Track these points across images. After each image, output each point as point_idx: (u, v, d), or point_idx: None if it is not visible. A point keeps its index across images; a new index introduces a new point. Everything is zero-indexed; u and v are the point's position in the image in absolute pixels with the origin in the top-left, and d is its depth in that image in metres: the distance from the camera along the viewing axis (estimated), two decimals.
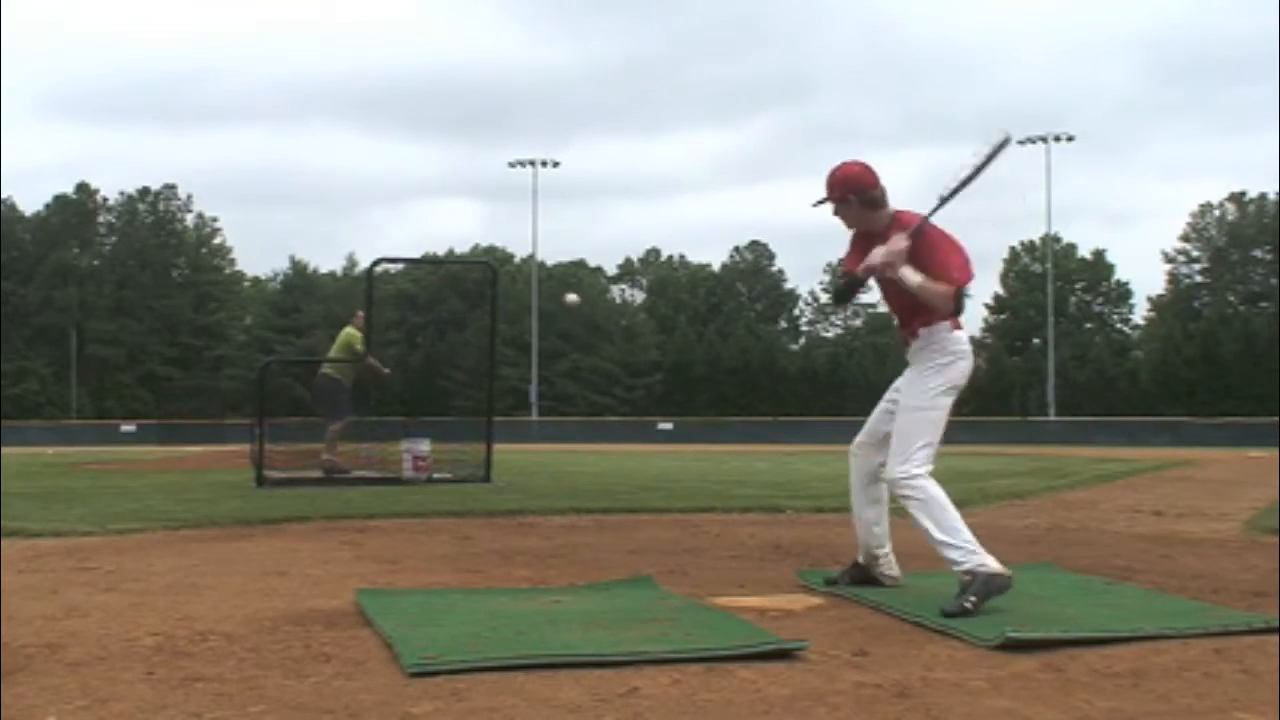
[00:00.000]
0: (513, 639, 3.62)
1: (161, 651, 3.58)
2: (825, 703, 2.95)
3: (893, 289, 4.61)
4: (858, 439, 4.89)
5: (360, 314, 14.19)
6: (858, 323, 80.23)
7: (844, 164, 4.71)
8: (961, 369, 4.59)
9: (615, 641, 3.58)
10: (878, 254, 4.47)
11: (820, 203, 4.69)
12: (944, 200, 4.54)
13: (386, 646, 3.59)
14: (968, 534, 4.36)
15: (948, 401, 4.56)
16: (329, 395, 13.79)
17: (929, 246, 4.50)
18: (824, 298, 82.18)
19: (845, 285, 4.83)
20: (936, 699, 2.99)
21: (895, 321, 4.86)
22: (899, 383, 4.73)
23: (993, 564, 4.26)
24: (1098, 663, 3.41)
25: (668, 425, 58.61)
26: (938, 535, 4.38)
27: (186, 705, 2.92)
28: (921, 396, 4.55)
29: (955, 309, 4.52)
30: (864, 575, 4.85)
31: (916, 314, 4.58)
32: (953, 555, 4.33)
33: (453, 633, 3.73)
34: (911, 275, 4.44)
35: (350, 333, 14.01)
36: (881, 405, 4.80)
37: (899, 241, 4.44)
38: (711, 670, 3.27)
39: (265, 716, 2.84)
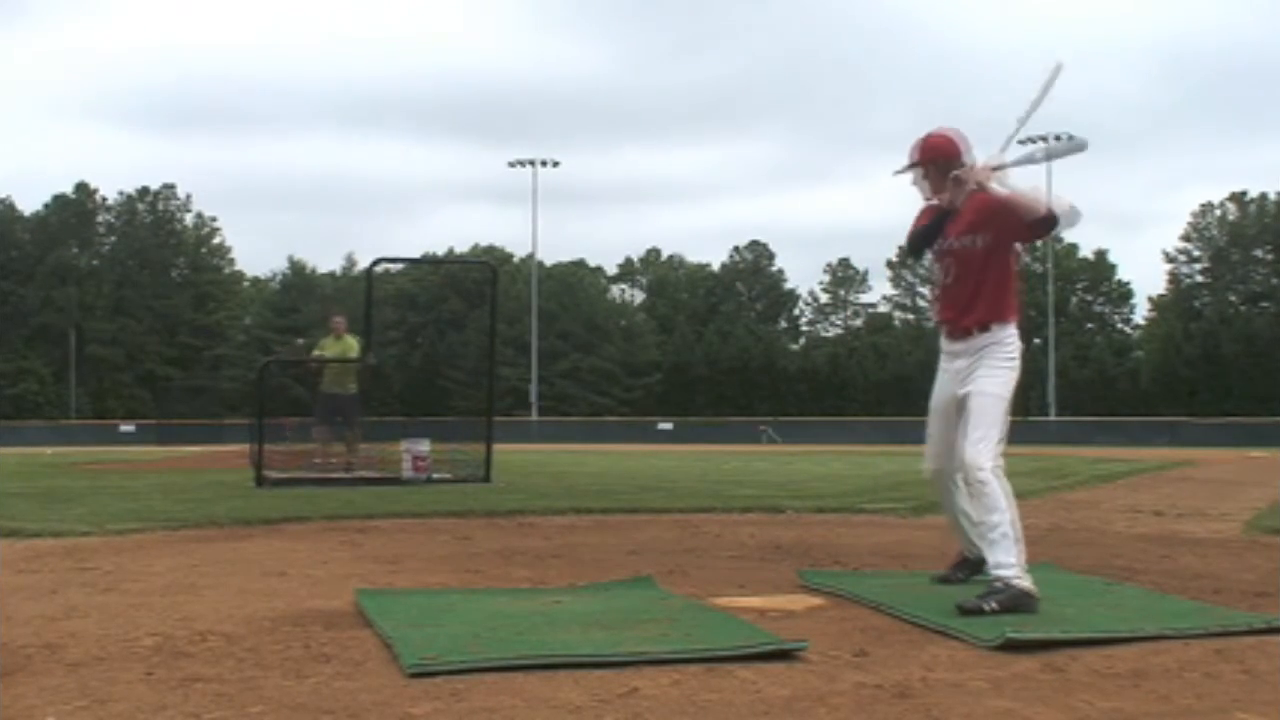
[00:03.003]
0: (513, 639, 3.61)
1: (161, 651, 3.57)
2: (825, 703, 2.95)
3: (967, 266, 4.52)
4: (929, 464, 4.79)
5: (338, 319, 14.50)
6: (858, 323, 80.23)
7: (933, 131, 4.70)
8: (1020, 366, 4.58)
9: (615, 641, 3.58)
10: (966, 173, 4.40)
11: (902, 170, 4.68)
12: (1013, 136, 4.48)
13: (386, 646, 3.58)
14: (1020, 545, 4.31)
15: (1013, 387, 4.53)
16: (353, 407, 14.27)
17: (1004, 200, 4.44)
18: (821, 295, 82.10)
19: (931, 225, 4.58)
20: (936, 699, 2.98)
21: (944, 314, 4.66)
22: (947, 387, 4.64)
23: (1029, 583, 4.23)
24: (1098, 663, 3.41)
25: (668, 425, 58.60)
26: (993, 534, 4.32)
27: (186, 705, 2.92)
28: (1001, 386, 4.49)
29: (1048, 224, 4.44)
30: (977, 568, 4.76)
31: (989, 302, 4.50)
32: (999, 557, 4.27)
33: (453, 633, 3.72)
34: (999, 187, 4.37)
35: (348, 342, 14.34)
36: (937, 417, 4.70)
37: (982, 168, 4.40)
38: (711, 670, 3.26)
39: (265, 716, 2.83)
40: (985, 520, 4.36)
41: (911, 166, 4.66)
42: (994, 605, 4.10)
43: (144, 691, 3.06)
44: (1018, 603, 4.14)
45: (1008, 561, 4.24)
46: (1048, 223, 4.43)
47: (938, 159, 4.60)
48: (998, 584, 4.20)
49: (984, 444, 4.40)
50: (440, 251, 74.79)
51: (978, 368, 4.52)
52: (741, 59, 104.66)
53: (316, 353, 14.62)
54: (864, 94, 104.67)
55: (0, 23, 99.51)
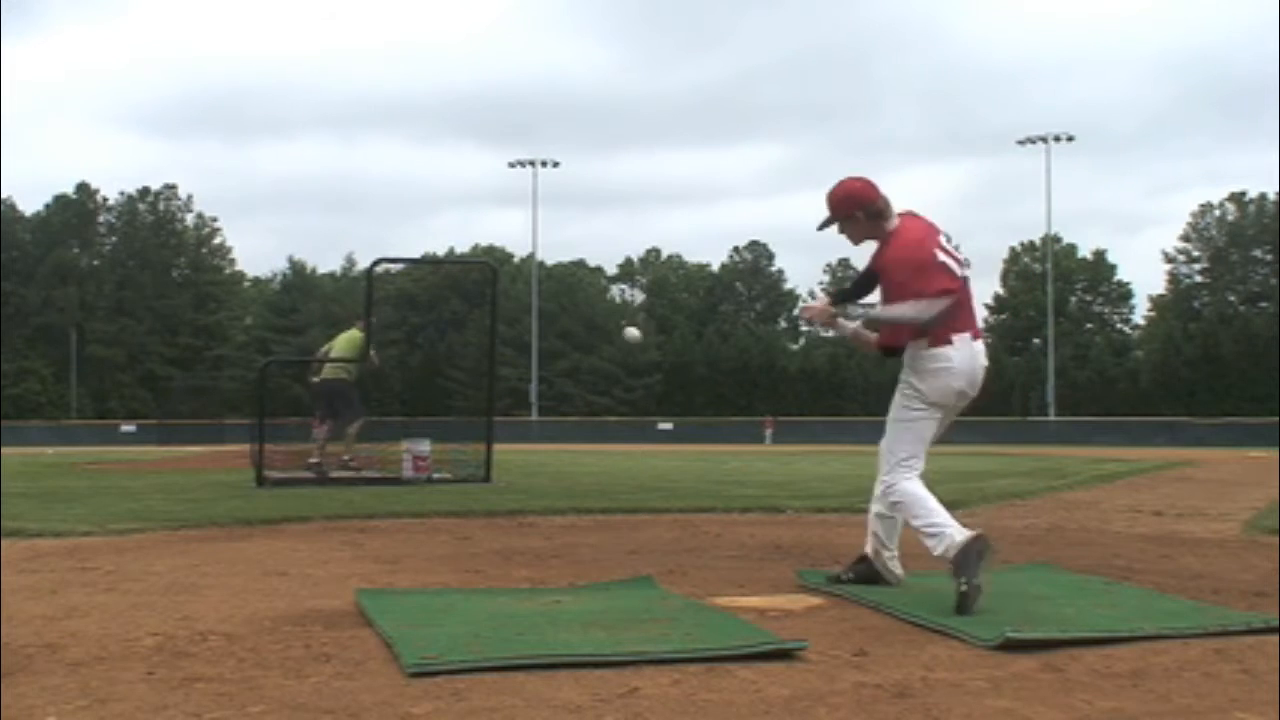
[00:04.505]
0: (513, 639, 3.61)
1: (161, 651, 3.58)
2: (825, 703, 2.95)
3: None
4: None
5: (361, 322, 14.38)
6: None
7: (841, 182, 4.70)
8: (934, 387, 4.60)
9: (615, 641, 3.58)
10: (811, 311, 4.77)
11: (825, 224, 4.72)
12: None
13: (386, 646, 3.58)
14: (939, 516, 4.40)
15: (922, 413, 4.62)
16: (344, 396, 13.98)
17: (891, 282, 4.59)
18: (821, 296, 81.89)
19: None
20: (936, 699, 2.98)
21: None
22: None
23: (958, 534, 4.29)
24: (1098, 663, 3.41)
25: (668, 425, 58.66)
26: (915, 526, 4.49)
27: (186, 705, 2.92)
28: (899, 411, 4.68)
29: (934, 320, 4.49)
30: (869, 571, 4.87)
31: (901, 330, 4.68)
32: (929, 544, 4.41)
33: (453, 633, 3.72)
34: (851, 321, 4.76)
35: (356, 335, 14.17)
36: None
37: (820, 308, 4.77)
38: (711, 670, 3.26)
39: (265, 716, 2.83)
40: (914, 531, 4.56)
41: (834, 221, 4.70)
42: (964, 582, 4.16)
43: (145, 691, 3.07)
44: (970, 559, 4.19)
45: (934, 545, 4.36)
46: (921, 327, 4.55)
47: (863, 205, 4.64)
48: (949, 567, 4.28)
49: (883, 472, 4.69)
50: (441, 252, 74.88)
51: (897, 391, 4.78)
52: (742, 61, 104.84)
53: (323, 349, 14.66)
54: (865, 95, 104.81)
55: (4, 25, 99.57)
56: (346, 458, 13.72)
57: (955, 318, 4.59)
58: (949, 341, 4.56)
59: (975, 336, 4.69)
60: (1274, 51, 79.35)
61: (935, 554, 4.37)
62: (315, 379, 14.12)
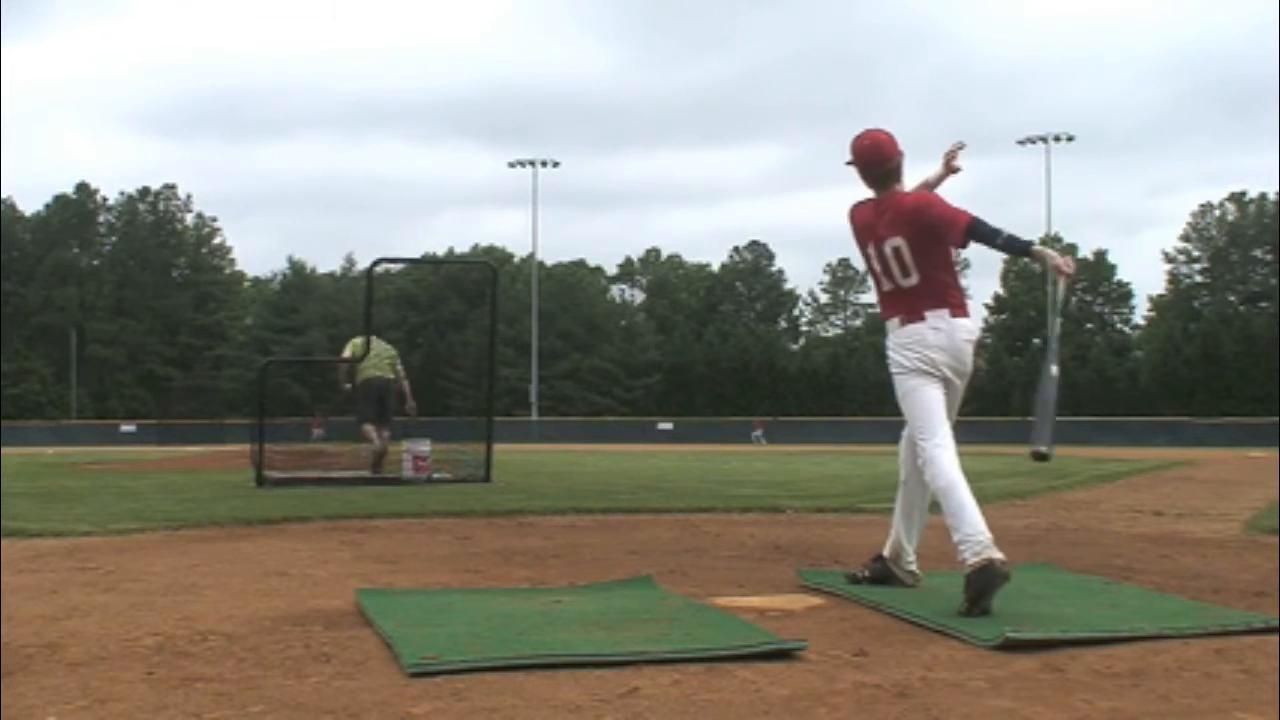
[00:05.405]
0: (513, 639, 3.61)
1: (161, 651, 3.58)
2: (825, 703, 2.95)
3: (926, 260, 4.60)
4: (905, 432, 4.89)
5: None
6: (858, 323, 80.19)
7: (865, 133, 4.80)
8: (910, 355, 4.63)
9: (615, 641, 3.58)
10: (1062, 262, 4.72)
11: (850, 163, 4.79)
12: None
13: (386, 646, 3.58)
14: (968, 525, 4.25)
15: (914, 381, 4.60)
16: (390, 396, 13.99)
17: (934, 218, 4.60)
18: (821, 295, 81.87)
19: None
20: (936, 699, 2.98)
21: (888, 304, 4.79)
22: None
23: (982, 553, 4.15)
24: (1098, 663, 3.41)
25: (668, 425, 58.69)
26: (947, 523, 4.37)
27: (186, 705, 2.92)
28: (897, 392, 4.70)
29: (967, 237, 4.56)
30: (885, 571, 4.84)
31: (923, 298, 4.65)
32: (955, 546, 4.29)
33: (453, 633, 3.72)
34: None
35: (392, 350, 14.36)
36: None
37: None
38: (711, 670, 3.26)
39: (265, 716, 2.83)
40: None
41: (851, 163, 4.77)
42: (964, 607, 4.13)
43: (145, 691, 3.07)
44: (979, 574, 4.12)
45: (964, 552, 4.25)
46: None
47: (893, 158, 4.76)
48: (966, 572, 4.22)
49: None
50: (440, 252, 74.89)
51: None
52: (742, 61, 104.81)
53: (348, 353, 14.54)
54: (865, 96, 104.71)
55: (5, 25, 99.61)
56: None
57: (930, 295, 4.63)
58: (922, 319, 4.61)
59: (955, 314, 4.64)
60: (1274, 51, 79.39)
61: (958, 559, 4.26)
62: (365, 377, 13.76)
